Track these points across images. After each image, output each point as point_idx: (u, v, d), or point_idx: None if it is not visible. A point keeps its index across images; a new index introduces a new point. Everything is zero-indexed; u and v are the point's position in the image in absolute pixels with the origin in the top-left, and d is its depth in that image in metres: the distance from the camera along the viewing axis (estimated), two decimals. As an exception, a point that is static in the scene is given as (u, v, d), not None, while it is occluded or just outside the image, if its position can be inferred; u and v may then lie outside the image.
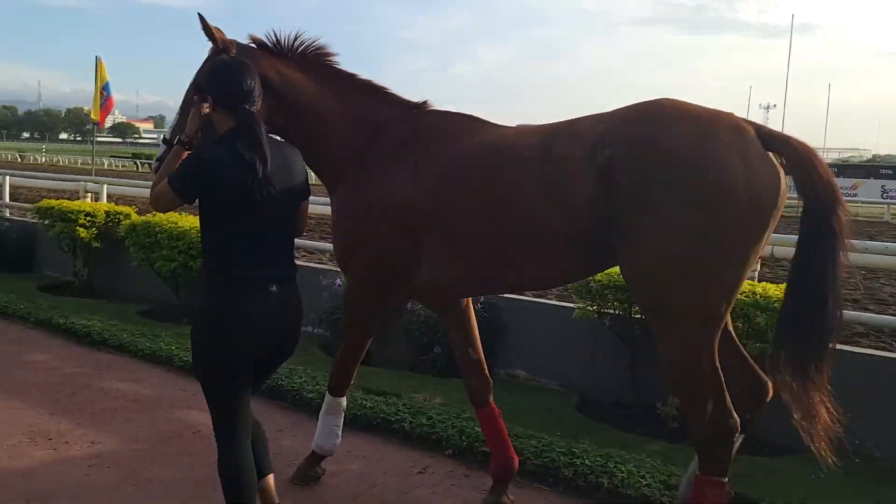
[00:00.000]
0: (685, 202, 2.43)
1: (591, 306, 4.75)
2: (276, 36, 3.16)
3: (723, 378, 2.55)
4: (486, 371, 3.38)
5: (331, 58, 3.26)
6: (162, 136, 2.91)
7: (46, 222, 7.95)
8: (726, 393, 2.56)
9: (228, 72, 2.57)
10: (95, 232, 7.68)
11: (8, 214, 10.02)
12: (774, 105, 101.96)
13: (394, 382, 5.11)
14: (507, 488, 3.35)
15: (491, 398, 3.38)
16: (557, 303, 5.86)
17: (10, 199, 10.29)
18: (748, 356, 2.89)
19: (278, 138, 2.94)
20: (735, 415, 2.56)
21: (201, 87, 2.61)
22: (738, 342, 2.90)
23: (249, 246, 2.51)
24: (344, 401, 3.51)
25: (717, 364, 2.54)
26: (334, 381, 3.44)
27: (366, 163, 3.14)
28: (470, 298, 3.39)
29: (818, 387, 2.49)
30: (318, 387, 4.63)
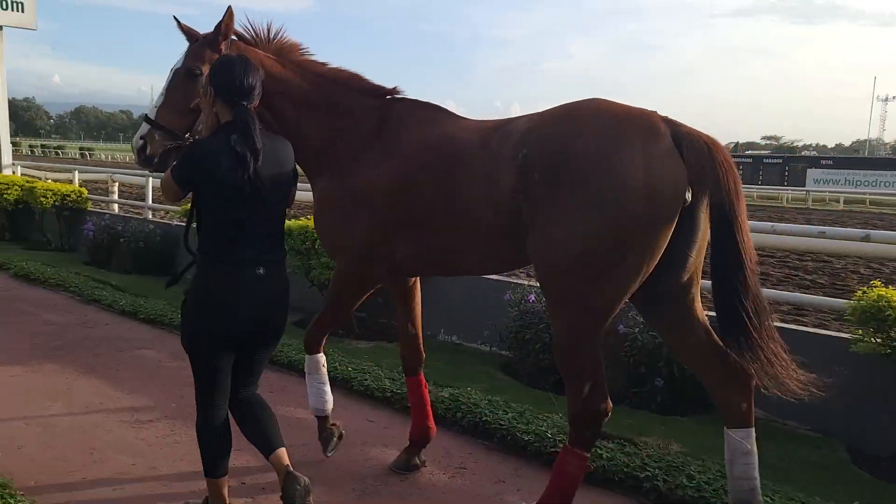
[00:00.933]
0: (586, 200, 2.54)
1: (879, 338, 3.79)
2: (252, 28, 3.28)
3: (602, 366, 2.71)
4: (421, 344, 3.62)
5: (301, 49, 3.37)
6: (144, 115, 3.13)
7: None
8: (604, 380, 2.72)
9: (231, 68, 2.70)
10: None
11: (151, 217, 9.94)
12: (894, 97, 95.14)
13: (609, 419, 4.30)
14: (420, 451, 3.63)
15: (421, 369, 3.65)
16: (830, 333, 4.86)
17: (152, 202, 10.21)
18: (729, 352, 2.76)
19: (270, 133, 2.94)
20: (609, 402, 2.73)
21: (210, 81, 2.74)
22: (713, 333, 2.83)
23: (238, 231, 2.67)
24: (321, 356, 3.63)
25: (600, 352, 2.70)
26: (309, 342, 3.58)
27: (339, 151, 3.29)
28: (418, 277, 3.58)
29: (758, 347, 2.62)
30: (505, 415, 4.11)
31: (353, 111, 3.31)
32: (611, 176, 2.51)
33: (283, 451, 2.87)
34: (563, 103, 2.83)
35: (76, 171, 11.48)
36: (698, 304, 2.83)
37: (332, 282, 3.48)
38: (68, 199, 10.40)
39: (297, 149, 3.08)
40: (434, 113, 3.26)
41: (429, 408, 3.65)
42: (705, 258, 2.77)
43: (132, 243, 8.87)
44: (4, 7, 11.27)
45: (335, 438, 3.64)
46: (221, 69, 2.73)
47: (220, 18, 3.10)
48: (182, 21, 3.20)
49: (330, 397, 3.64)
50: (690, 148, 2.57)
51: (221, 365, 2.79)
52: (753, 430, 2.75)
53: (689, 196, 2.58)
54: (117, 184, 11.80)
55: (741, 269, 2.62)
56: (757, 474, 2.75)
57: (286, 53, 3.34)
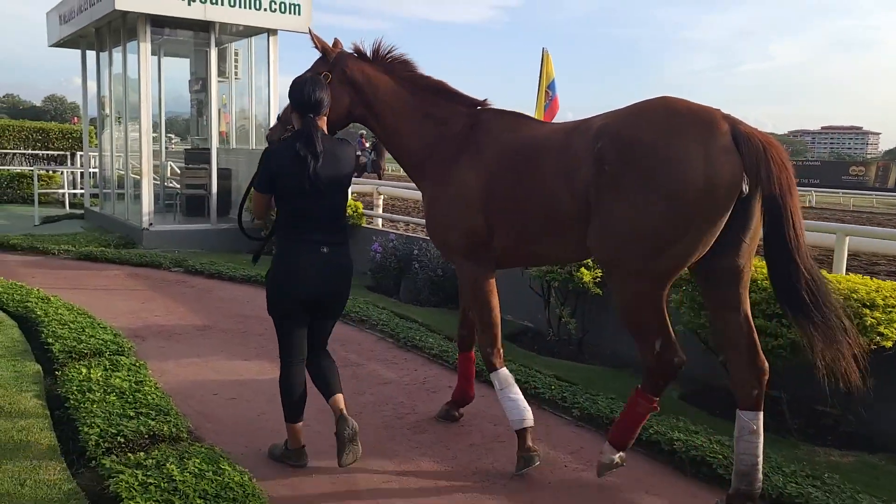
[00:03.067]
0: (649, 187, 2.91)
1: None
2: (373, 45, 3.86)
3: (668, 324, 3.09)
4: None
5: (413, 66, 3.86)
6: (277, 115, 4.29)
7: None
8: (672, 336, 3.11)
9: (302, 86, 3.35)
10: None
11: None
12: None
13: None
14: (459, 408, 4.23)
15: (474, 347, 4.15)
16: None
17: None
18: (756, 340, 3.11)
19: (334, 138, 3.49)
20: (682, 355, 3.12)
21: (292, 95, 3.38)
22: (752, 323, 3.12)
23: (305, 218, 3.32)
24: (504, 371, 3.70)
25: (664, 312, 3.09)
26: (487, 358, 3.73)
27: (437, 156, 3.74)
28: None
29: (827, 329, 2.86)
30: None
31: (448, 120, 3.77)
32: (674, 167, 2.86)
33: (339, 397, 3.43)
34: (635, 102, 3.19)
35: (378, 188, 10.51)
36: (746, 292, 3.11)
37: (463, 291, 3.99)
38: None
39: (398, 152, 3.94)
40: (517, 119, 3.71)
41: (473, 378, 4.22)
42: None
43: (428, 270, 7.64)
44: (282, 10, 10.73)
45: (533, 462, 3.57)
46: (295, 87, 3.37)
47: (314, 43, 3.91)
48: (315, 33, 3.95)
49: (525, 407, 3.64)
50: (748, 146, 2.86)
51: (297, 326, 3.44)
52: (762, 413, 3.11)
53: (745, 188, 2.89)
54: (382, 196, 10.83)
55: (790, 255, 2.88)
56: (760, 453, 3.10)
57: (395, 68, 3.83)
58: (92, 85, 13.44)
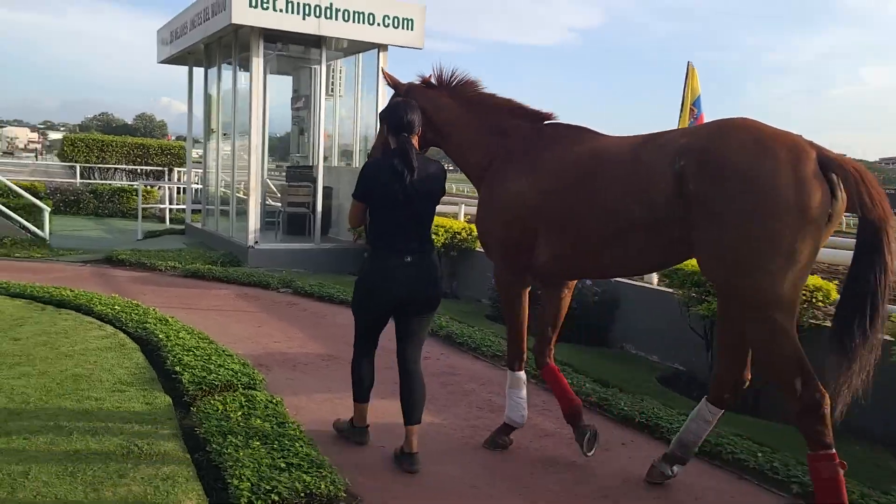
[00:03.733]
0: (740, 210, 2.91)
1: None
2: (436, 73, 4.15)
3: (806, 359, 2.91)
4: (552, 344, 4.08)
5: (476, 86, 4.10)
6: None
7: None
8: (811, 371, 2.90)
9: (396, 109, 3.69)
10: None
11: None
12: None
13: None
14: (581, 419, 4.00)
15: (550, 359, 4.09)
16: None
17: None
18: (750, 355, 3.39)
19: (426, 157, 3.82)
20: (822, 390, 2.88)
21: (382, 118, 3.81)
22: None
23: (395, 229, 3.58)
24: (522, 374, 4.07)
25: (797, 347, 2.91)
26: (510, 358, 4.08)
27: (496, 166, 3.93)
28: (571, 287, 4.07)
29: (853, 362, 2.83)
30: None
31: (508, 133, 3.95)
32: (764, 191, 2.86)
33: (414, 428, 3.66)
34: (716, 120, 3.31)
35: (462, 205, 10.02)
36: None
37: (500, 298, 4.59)
38: (458, 237, 9.00)
39: (464, 166, 4.17)
40: (580, 133, 3.78)
41: (567, 386, 4.07)
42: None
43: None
44: (395, 25, 10.39)
45: (501, 447, 4.04)
46: (390, 110, 3.74)
47: (387, 81, 4.32)
48: (388, 73, 4.33)
49: (525, 412, 4.07)
50: (843, 171, 2.86)
51: (376, 326, 3.80)
52: (722, 413, 3.53)
53: (832, 207, 2.90)
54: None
55: (880, 281, 2.82)
56: (702, 438, 3.62)
57: (459, 90, 4.11)
58: (198, 101, 13.48)
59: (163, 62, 13.82)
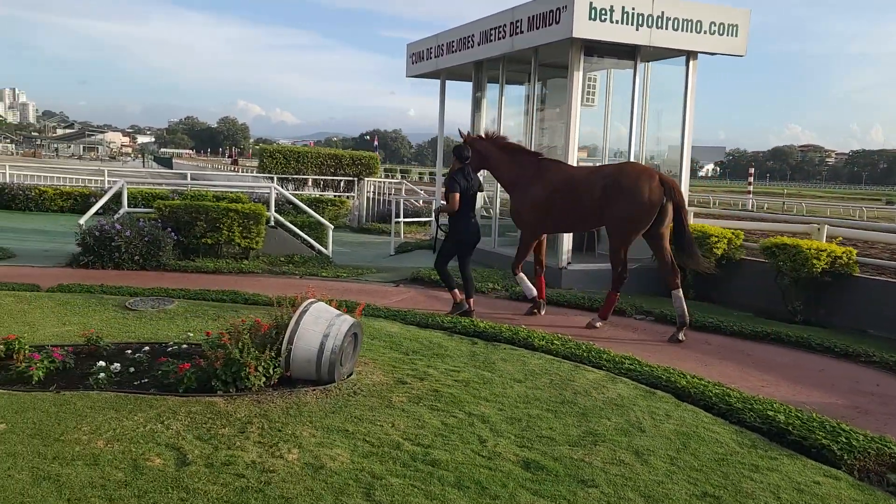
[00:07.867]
0: (626, 203, 7.42)
1: None
2: (486, 131, 8.67)
3: (627, 260, 7.68)
4: (543, 266, 8.51)
5: (505, 138, 8.48)
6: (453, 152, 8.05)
7: None
8: (627, 264, 7.69)
9: (461, 150, 7.79)
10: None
11: None
12: None
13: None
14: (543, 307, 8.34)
15: (542, 275, 8.44)
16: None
17: None
18: (674, 260, 7.66)
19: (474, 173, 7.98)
20: (627, 271, 7.73)
21: (455, 153, 7.87)
22: (670, 253, 7.66)
23: (468, 206, 7.67)
24: (521, 273, 8.29)
25: (627, 256, 7.68)
26: (514, 268, 8.36)
27: (519, 185, 8.18)
28: (545, 236, 8.45)
29: (695, 259, 7.67)
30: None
31: (523, 164, 8.16)
32: (636, 195, 7.36)
33: (471, 299, 7.83)
34: (622, 162, 9.39)
35: (825, 226, 9.30)
36: (666, 242, 7.61)
37: (520, 240, 8.41)
38: (839, 261, 8.37)
39: (501, 180, 8.54)
40: (560, 164, 8.35)
41: (543, 287, 8.37)
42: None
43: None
44: (720, 32, 9.81)
45: (539, 310, 8.27)
46: (457, 150, 7.82)
47: (461, 136, 8.36)
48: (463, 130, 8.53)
49: (533, 289, 8.28)
50: (666, 183, 7.43)
51: (455, 252, 7.77)
52: (680, 291, 7.46)
53: (664, 202, 7.39)
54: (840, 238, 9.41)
55: (685, 232, 7.56)
56: (685, 305, 7.40)
57: (497, 141, 8.28)
58: (453, 113, 13.23)
59: (414, 76, 13.62)
